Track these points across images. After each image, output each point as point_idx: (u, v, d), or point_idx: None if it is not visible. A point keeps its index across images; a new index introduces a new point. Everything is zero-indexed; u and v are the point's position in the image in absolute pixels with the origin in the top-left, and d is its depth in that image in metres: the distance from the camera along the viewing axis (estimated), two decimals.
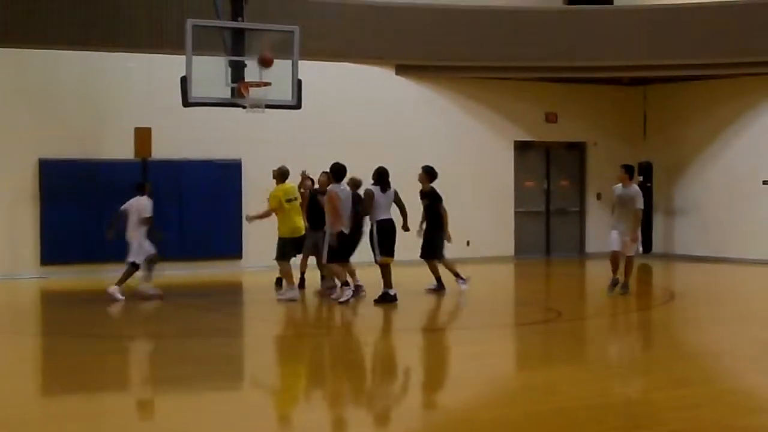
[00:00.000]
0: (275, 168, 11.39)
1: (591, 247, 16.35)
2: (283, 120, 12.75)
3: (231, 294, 12.02)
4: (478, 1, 16.36)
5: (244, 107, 11.47)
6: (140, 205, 10.47)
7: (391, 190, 9.82)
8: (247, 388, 6.54)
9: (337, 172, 9.94)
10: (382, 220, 9.80)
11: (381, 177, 9.90)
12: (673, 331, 9.36)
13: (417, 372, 6.72)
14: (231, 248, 13.43)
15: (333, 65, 13.95)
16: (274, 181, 11.00)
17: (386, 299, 9.53)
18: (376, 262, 9.89)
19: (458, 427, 4.89)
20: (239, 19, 11.52)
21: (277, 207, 10.56)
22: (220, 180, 13.29)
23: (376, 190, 9.84)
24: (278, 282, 10.65)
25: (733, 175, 15.18)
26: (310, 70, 11.87)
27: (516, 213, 15.26)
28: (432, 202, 10.76)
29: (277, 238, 10.34)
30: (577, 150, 16.42)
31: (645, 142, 16.68)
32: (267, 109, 11.61)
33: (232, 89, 11.27)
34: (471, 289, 10.74)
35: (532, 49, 15.00)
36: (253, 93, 11.28)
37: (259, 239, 12.32)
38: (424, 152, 13.58)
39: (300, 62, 11.40)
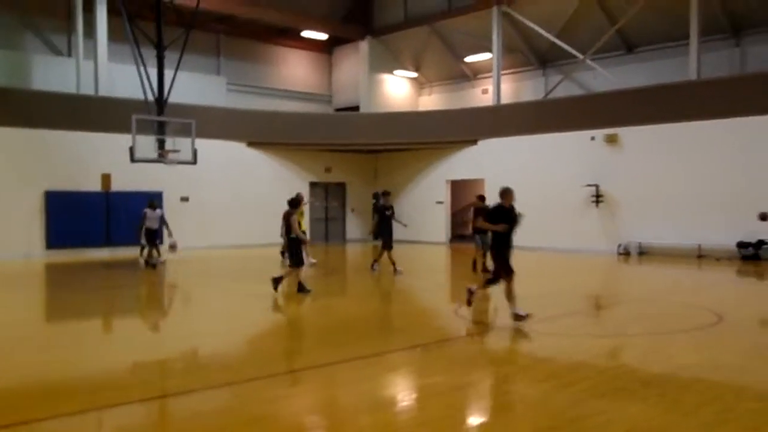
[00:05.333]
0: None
1: (349, 236, 21.56)
2: (184, 169, 16.46)
3: None
4: (292, 108, 21.91)
5: (164, 162, 14.93)
6: (153, 215, 13.57)
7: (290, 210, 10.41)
8: None
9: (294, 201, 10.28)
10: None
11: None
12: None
13: None
14: None
15: (212, 141, 17.83)
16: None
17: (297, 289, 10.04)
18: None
19: None
20: (162, 113, 14.85)
21: None
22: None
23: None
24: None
25: (420, 197, 20.76)
26: (200, 143, 15.10)
27: (312, 219, 19.72)
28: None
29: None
30: (342, 186, 21.87)
31: (376, 181, 22.38)
32: (177, 165, 15.22)
33: (159, 153, 14.66)
34: None
35: (319, 134, 19.85)
36: (170, 155, 14.72)
37: None
38: (259, 190, 18.48)
39: (196, 139, 14.88)
